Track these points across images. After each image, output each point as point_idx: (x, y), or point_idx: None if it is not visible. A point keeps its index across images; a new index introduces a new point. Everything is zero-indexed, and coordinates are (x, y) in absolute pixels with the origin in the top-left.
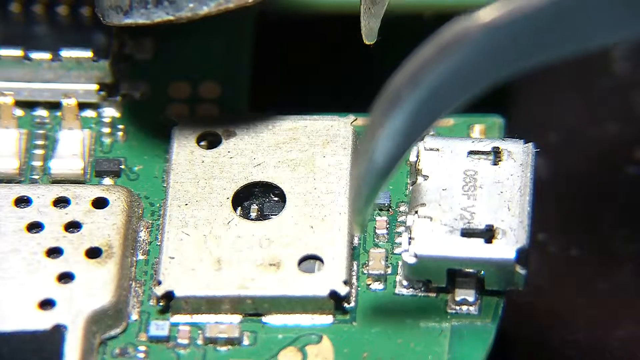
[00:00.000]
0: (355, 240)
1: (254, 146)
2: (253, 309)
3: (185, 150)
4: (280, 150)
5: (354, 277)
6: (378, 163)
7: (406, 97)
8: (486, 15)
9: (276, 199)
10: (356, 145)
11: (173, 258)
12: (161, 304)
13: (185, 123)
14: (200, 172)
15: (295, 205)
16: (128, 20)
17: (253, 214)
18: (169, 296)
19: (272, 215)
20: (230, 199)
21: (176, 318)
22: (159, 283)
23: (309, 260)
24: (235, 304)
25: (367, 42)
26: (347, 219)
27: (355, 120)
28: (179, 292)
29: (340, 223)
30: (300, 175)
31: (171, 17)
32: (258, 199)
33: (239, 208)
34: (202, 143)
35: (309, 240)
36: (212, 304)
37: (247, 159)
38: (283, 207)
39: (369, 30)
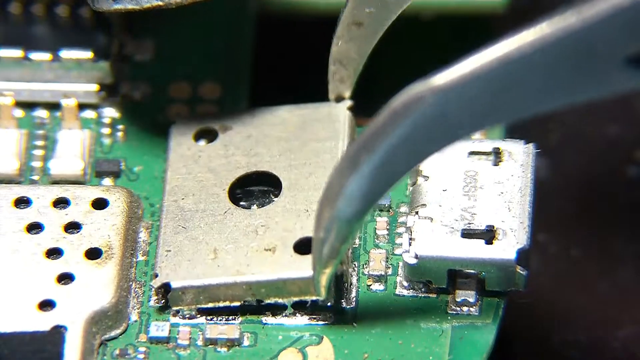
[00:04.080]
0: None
1: (250, 138)
2: (251, 295)
3: (182, 147)
4: (276, 139)
5: (349, 260)
6: (339, 226)
7: (363, 163)
8: (438, 80)
9: (272, 187)
10: (353, 129)
11: (169, 251)
12: (162, 302)
13: (183, 121)
14: (196, 167)
15: (291, 191)
16: (117, 6)
17: (249, 204)
18: (166, 288)
19: (268, 203)
20: (227, 190)
21: (177, 320)
22: (156, 276)
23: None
24: (233, 291)
25: (332, 99)
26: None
27: (351, 105)
28: (175, 284)
29: None
30: (296, 162)
31: (160, 3)
32: (255, 188)
33: (236, 199)
34: (200, 140)
35: (305, 224)
36: (209, 293)
37: (243, 151)
38: (279, 194)
39: (335, 94)
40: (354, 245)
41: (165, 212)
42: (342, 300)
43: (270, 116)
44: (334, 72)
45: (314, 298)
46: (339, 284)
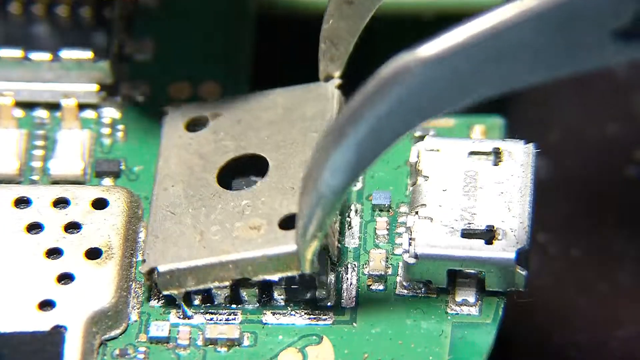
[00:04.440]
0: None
1: (240, 122)
2: (239, 274)
3: (174, 136)
4: (265, 122)
5: (336, 235)
6: (324, 199)
7: (349, 133)
8: (426, 50)
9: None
10: (342, 107)
11: (157, 237)
12: (161, 302)
13: (175, 111)
14: (187, 155)
15: (278, 170)
16: None
17: (238, 186)
18: (153, 272)
19: (256, 183)
20: (215, 174)
21: (177, 320)
22: (144, 262)
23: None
24: (220, 272)
25: (321, 79)
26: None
27: (340, 83)
28: (162, 267)
29: None
30: (284, 142)
31: None
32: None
33: (224, 182)
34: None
35: (290, 202)
36: (197, 275)
37: (232, 135)
38: (266, 174)
39: (325, 74)
40: (354, 245)
41: (155, 200)
42: (342, 300)
43: (259, 100)
44: (324, 50)
45: (299, 273)
46: (338, 283)
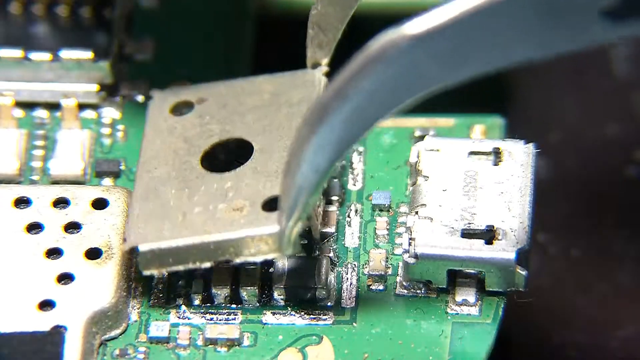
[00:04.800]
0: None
1: (225, 107)
2: (220, 255)
3: (159, 119)
4: (251, 107)
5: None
6: (308, 178)
7: (333, 110)
8: (413, 26)
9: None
10: None
11: (139, 217)
12: (158, 301)
13: (161, 95)
14: (171, 139)
15: (262, 154)
16: None
17: (221, 169)
18: (134, 252)
19: (239, 166)
20: (199, 157)
21: (177, 319)
22: (124, 241)
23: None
24: (201, 252)
25: (309, 66)
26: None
27: (327, 71)
28: (143, 247)
29: None
30: (270, 127)
31: None
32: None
33: (209, 166)
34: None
35: (274, 184)
36: (178, 255)
37: (218, 120)
38: (250, 158)
39: (313, 60)
40: (354, 245)
41: (138, 180)
42: (342, 300)
43: (246, 85)
44: (312, 36)
45: (280, 254)
46: (339, 283)
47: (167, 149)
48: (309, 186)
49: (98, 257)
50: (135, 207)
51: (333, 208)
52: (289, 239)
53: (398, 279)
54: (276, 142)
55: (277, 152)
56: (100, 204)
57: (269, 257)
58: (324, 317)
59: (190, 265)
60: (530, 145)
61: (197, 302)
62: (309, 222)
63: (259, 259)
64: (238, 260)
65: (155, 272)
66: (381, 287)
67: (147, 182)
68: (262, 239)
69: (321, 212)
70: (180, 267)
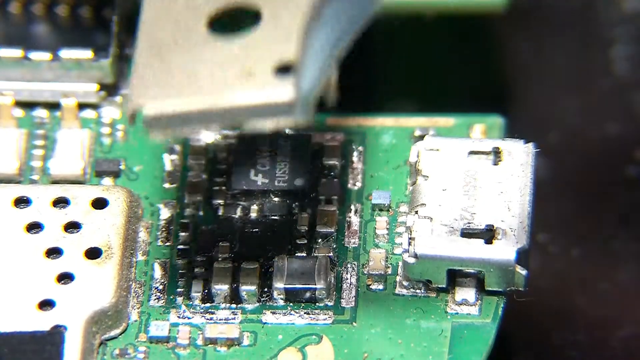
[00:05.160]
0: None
1: None
2: (228, 120)
3: None
4: None
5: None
6: (327, 36)
7: None
8: None
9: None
10: None
11: (142, 78)
12: (162, 301)
13: None
14: (173, 8)
15: (272, 19)
16: None
17: (229, 33)
18: (138, 114)
19: (247, 32)
20: (205, 22)
21: (177, 319)
22: (128, 102)
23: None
24: (209, 117)
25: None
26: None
27: None
28: (148, 109)
29: None
30: None
31: None
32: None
33: (214, 30)
34: None
35: (286, 49)
36: (185, 119)
37: None
38: (259, 23)
39: None
40: (354, 245)
41: (140, 41)
42: (342, 300)
43: None
44: None
45: (293, 120)
46: (339, 283)
47: (169, 12)
48: (329, 45)
49: (98, 257)
50: (139, 69)
51: (333, 208)
52: (307, 103)
53: (398, 278)
54: (285, 5)
55: (287, 18)
56: (100, 203)
57: (281, 123)
58: (324, 316)
59: (197, 129)
60: (530, 145)
61: (197, 301)
62: (325, 89)
63: (268, 125)
64: (247, 127)
65: (160, 136)
66: (381, 287)
67: (151, 42)
68: (275, 106)
69: (336, 80)
70: (185, 130)
